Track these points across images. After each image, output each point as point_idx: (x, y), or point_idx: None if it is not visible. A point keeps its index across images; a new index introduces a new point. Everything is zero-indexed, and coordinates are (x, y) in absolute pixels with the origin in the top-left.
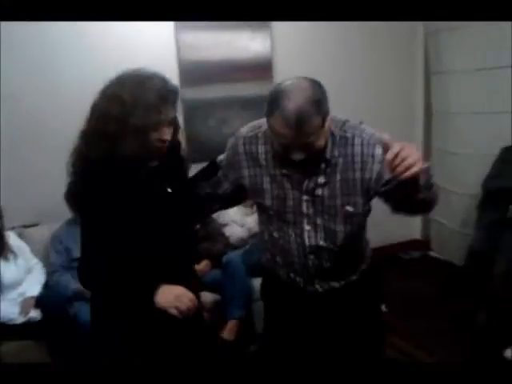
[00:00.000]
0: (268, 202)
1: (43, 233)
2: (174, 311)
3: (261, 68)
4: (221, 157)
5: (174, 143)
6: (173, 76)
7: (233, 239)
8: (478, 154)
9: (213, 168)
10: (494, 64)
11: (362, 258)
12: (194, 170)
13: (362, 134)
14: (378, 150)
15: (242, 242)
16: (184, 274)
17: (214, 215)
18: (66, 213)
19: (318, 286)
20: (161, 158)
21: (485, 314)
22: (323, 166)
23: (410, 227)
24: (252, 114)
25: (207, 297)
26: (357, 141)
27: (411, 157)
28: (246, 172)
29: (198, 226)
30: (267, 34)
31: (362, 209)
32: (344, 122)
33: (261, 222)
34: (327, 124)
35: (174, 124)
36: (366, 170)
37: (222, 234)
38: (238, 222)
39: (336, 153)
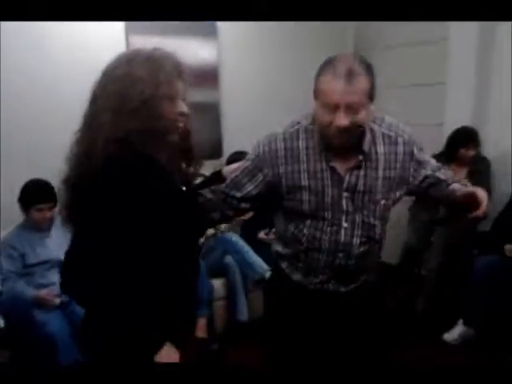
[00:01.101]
0: (305, 198)
1: None
2: None
3: (207, 75)
4: (232, 166)
5: (185, 131)
6: None
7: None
8: None
9: (217, 178)
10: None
11: (380, 256)
12: None
13: (404, 133)
14: (415, 149)
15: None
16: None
17: None
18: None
19: (339, 287)
20: (174, 145)
21: (422, 301)
22: (361, 157)
23: None
24: (197, 119)
25: None
26: (400, 140)
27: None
28: (282, 169)
29: None
30: (214, 43)
31: (393, 202)
32: (383, 119)
33: (286, 219)
34: (370, 107)
35: (186, 104)
36: (405, 167)
37: None
38: None
39: (379, 149)
